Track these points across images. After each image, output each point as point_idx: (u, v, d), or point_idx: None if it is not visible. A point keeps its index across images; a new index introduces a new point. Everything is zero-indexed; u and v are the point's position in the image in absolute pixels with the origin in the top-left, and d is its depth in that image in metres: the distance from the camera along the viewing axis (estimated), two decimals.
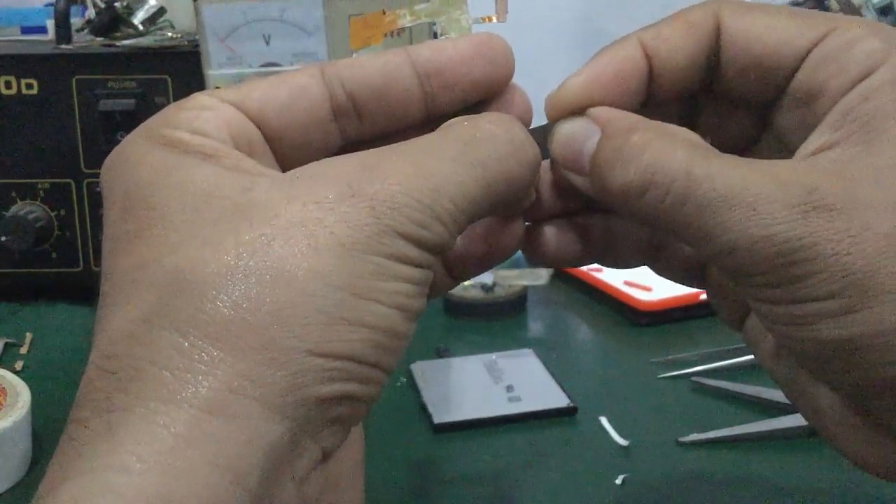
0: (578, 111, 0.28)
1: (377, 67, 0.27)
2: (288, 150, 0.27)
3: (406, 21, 0.29)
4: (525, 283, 0.72)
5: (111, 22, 0.79)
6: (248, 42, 0.54)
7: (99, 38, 0.80)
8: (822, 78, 0.26)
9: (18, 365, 0.61)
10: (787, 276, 0.24)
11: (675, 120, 0.31)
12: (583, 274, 0.74)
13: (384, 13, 0.30)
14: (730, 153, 0.28)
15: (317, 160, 0.27)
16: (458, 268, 0.29)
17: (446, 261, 0.29)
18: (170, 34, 0.79)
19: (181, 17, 0.82)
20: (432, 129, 0.27)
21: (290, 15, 0.54)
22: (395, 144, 0.25)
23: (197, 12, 0.54)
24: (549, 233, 0.30)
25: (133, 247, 0.23)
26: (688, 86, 0.29)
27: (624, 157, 0.25)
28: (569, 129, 0.28)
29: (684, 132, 0.26)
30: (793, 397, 0.31)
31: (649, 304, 0.67)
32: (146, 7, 0.81)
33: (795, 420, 0.50)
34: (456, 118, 0.26)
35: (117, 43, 0.76)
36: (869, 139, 0.25)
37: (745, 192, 0.24)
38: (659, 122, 0.27)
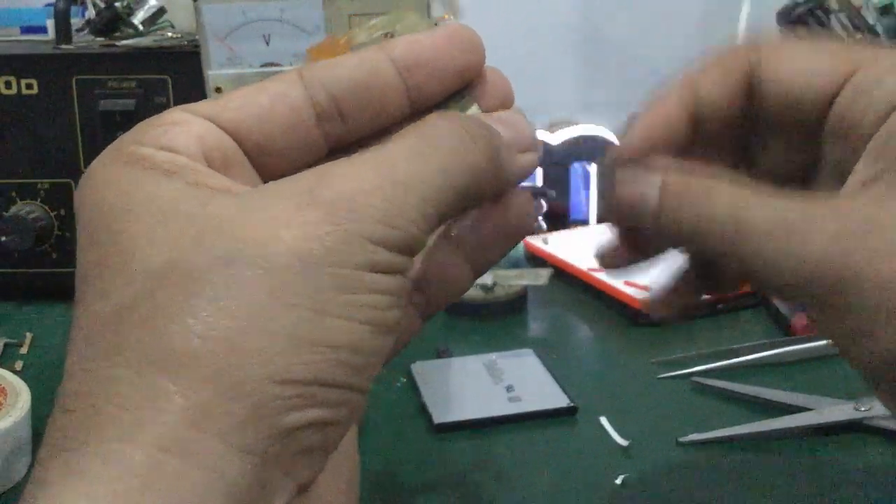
0: (636, 159, 0.31)
1: (356, 65, 0.26)
2: (270, 160, 0.26)
3: (362, 38, 0.28)
4: (525, 283, 0.72)
5: (111, 22, 0.79)
6: (248, 42, 0.54)
7: (99, 38, 0.80)
8: (854, 111, 0.29)
9: (18, 365, 0.61)
10: (831, 303, 0.27)
11: (730, 154, 0.34)
12: (583, 274, 0.74)
13: (335, 38, 0.29)
14: (790, 187, 0.30)
15: (301, 169, 0.26)
16: (479, 258, 0.28)
17: (466, 253, 0.28)
18: (170, 34, 0.79)
19: (181, 17, 0.82)
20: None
21: (290, 15, 0.54)
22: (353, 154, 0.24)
23: (197, 12, 0.54)
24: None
25: (98, 276, 0.22)
26: (732, 124, 0.32)
27: (687, 204, 0.29)
28: (630, 180, 0.30)
29: (729, 176, 0.29)
30: None
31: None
32: (146, 7, 0.81)
33: (795, 420, 0.50)
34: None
35: (117, 43, 0.76)
36: None
37: (798, 221, 0.27)
38: (708, 177, 0.29)
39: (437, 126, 0.25)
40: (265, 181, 0.26)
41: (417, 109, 0.27)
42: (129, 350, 0.20)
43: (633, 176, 0.30)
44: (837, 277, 0.26)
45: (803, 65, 0.30)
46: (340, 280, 0.21)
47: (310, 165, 0.26)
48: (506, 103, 0.28)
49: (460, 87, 0.27)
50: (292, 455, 0.21)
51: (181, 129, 0.24)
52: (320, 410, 0.21)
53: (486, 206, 0.28)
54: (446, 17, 0.29)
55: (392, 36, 0.28)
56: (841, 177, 0.29)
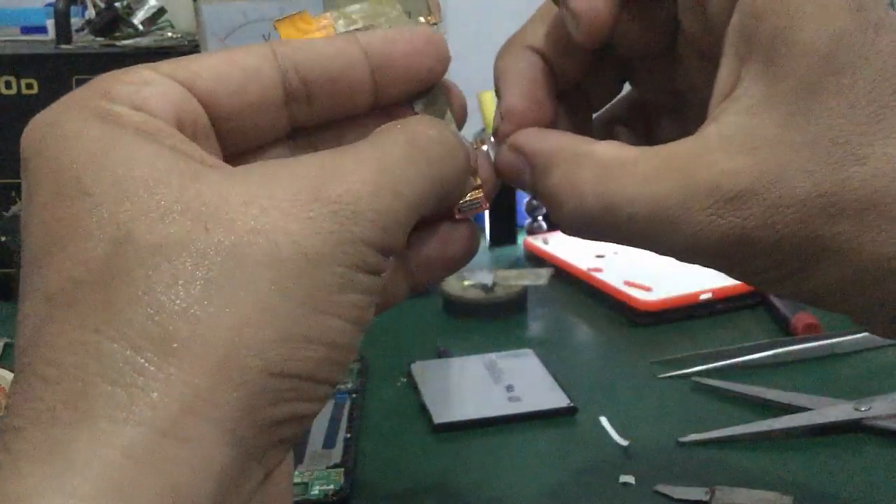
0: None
1: (332, 54, 0.26)
2: (233, 134, 0.25)
3: (341, 26, 0.28)
4: (525, 283, 0.72)
5: (111, 22, 0.80)
6: (248, 42, 0.54)
7: (99, 38, 0.80)
8: None
9: None
10: (730, 263, 0.25)
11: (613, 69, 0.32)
12: (583, 274, 0.74)
13: (310, 17, 0.28)
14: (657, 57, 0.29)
15: (262, 145, 0.27)
16: (419, 276, 0.29)
17: (407, 270, 0.29)
18: (170, 34, 0.79)
19: (181, 17, 0.82)
20: (375, 119, 0.27)
21: None
22: (347, 146, 0.24)
23: (197, 12, 0.54)
24: None
25: (69, 237, 0.21)
26: (591, 55, 0.30)
27: (557, 205, 0.27)
28: (505, 161, 0.29)
29: (592, 153, 0.27)
30: None
31: (649, 304, 0.67)
32: (146, 7, 0.81)
33: (795, 420, 0.50)
34: (388, 123, 0.26)
35: (117, 43, 0.76)
36: (772, 78, 0.24)
37: (661, 209, 0.25)
38: (572, 145, 0.27)
39: (428, 135, 0.25)
40: (225, 155, 0.25)
41: (379, 104, 0.27)
42: (125, 325, 0.19)
43: (506, 160, 0.29)
44: (731, 249, 0.24)
45: None
46: (337, 279, 0.22)
47: (271, 141, 0.27)
48: (461, 117, 0.29)
49: (421, 90, 0.28)
50: (270, 445, 0.21)
51: (154, 90, 0.23)
52: (304, 404, 0.22)
53: (437, 231, 0.29)
54: (430, 19, 0.29)
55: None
56: (705, 66, 0.28)
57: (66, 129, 0.22)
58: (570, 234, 0.28)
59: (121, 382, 0.19)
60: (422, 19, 0.29)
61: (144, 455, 0.19)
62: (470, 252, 0.29)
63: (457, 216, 0.28)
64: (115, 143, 0.21)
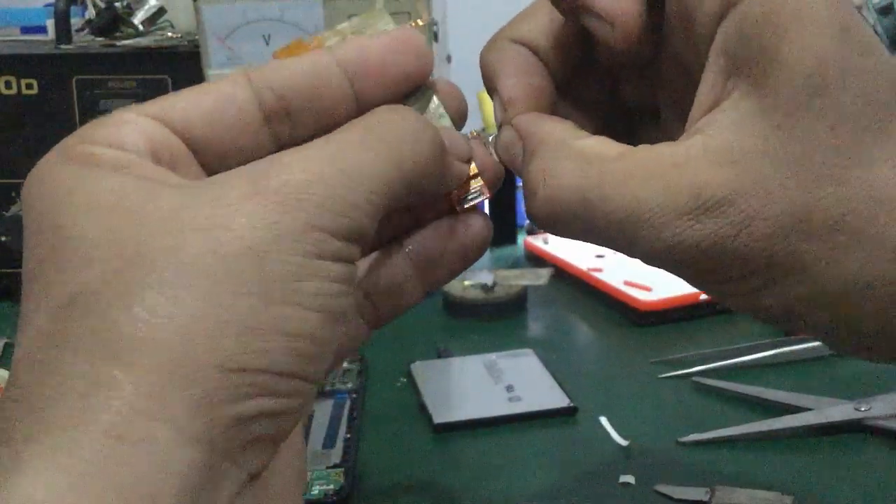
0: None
1: (305, 69, 0.26)
2: (217, 159, 0.26)
3: (332, 43, 0.28)
4: (525, 283, 0.72)
5: (111, 22, 0.80)
6: (248, 42, 0.54)
7: (99, 38, 0.80)
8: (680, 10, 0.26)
9: None
10: (701, 270, 0.25)
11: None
12: (583, 274, 0.74)
13: (303, 41, 0.29)
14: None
15: None
16: (435, 273, 0.29)
17: (418, 268, 0.29)
18: (170, 34, 0.79)
19: (181, 17, 0.82)
20: None
21: (290, 15, 0.54)
22: (302, 144, 0.24)
23: (197, 12, 0.54)
24: None
25: (44, 270, 0.22)
26: (575, 56, 0.30)
27: (532, 191, 0.27)
28: (504, 142, 0.29)
29: (577, 145, 0.27)
30: None
31: (649, 304, 0.67)
32: (146, 7, 0.81)
33: (795, 420, 0.50)
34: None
35: (117, 43, 0.76)
36: (759, 95, 0.24)
37: (640, 210, 0.25)
38: (561, 133, 0.27)
39: (385, 118, 0.25)
40: None
41: (363, 111, 0.27)
42: (79, 340, 0.20)
43: (504, 137, 0.29)
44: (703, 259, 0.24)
45: None
46: (290, 268, 0.21)
47: None
48: (459, 113, 0.29)
49: (407, 91, 0.28)
50: (242, 444, 0.21)
51: (129, 127, 0.24)
52: (271, 400, 0.21)
53: (444, 225, 0.29)
54: (419, 23, 0.29)
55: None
56: (684, 77, 0.27)
57: (47, 174, 0.23)
58: (541, 225, 0.27)
59: (73, 392, 0.20)
60: (411, 24, 0.28)
61: (101, 460, 0.19)
62: (482, 242, 0.29)
63: (458, 208, 0.28)
64: (85, 179, 0.22)
